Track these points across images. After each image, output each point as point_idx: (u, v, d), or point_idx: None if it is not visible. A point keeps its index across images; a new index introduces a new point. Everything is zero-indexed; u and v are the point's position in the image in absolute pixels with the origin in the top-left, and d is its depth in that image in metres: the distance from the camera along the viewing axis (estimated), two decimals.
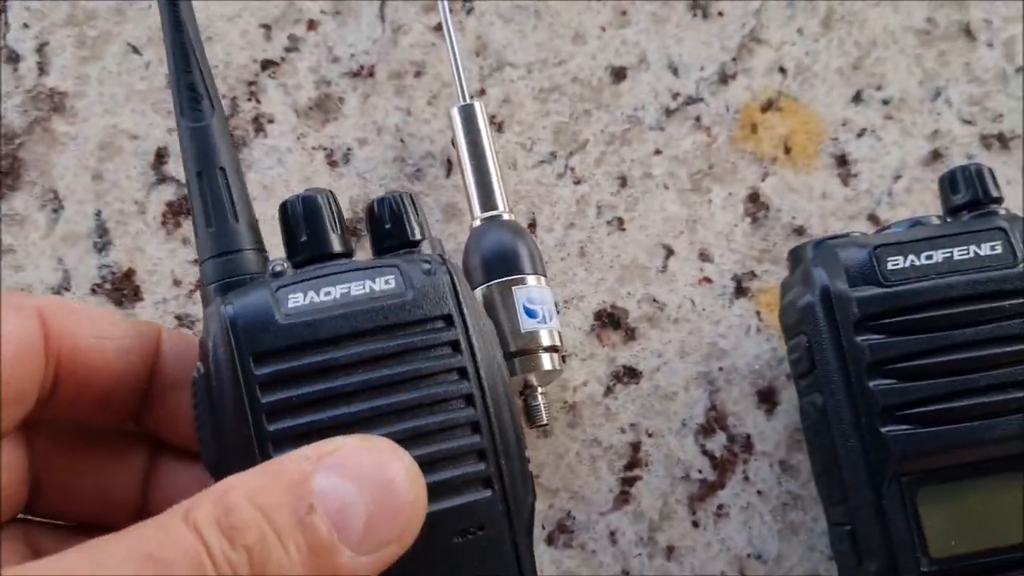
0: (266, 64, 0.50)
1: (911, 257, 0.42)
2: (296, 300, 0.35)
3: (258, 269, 0.37)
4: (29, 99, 0.49)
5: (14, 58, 0.49)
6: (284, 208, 0.37)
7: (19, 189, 0.48)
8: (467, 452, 0.35)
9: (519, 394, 0.45)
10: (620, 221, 0.49)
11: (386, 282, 0.35)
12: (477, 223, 0.46)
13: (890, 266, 0.42)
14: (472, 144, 0.46)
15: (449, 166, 0.49)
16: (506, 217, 0.46)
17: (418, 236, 0.38)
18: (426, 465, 0.33)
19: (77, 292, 0.47)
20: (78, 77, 0.49)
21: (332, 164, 0.49)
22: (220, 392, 0.34)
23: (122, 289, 0.47)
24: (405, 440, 0.33)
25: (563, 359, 0.46)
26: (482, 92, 0.50)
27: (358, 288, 0.35)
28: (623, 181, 0.50)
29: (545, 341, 0.44)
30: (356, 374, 0.34)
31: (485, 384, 0.35)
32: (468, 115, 0.47)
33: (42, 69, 0.49)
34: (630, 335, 0.48)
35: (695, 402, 0.47)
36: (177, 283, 0.47)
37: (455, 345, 0.35)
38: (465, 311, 0.35)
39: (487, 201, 0.46)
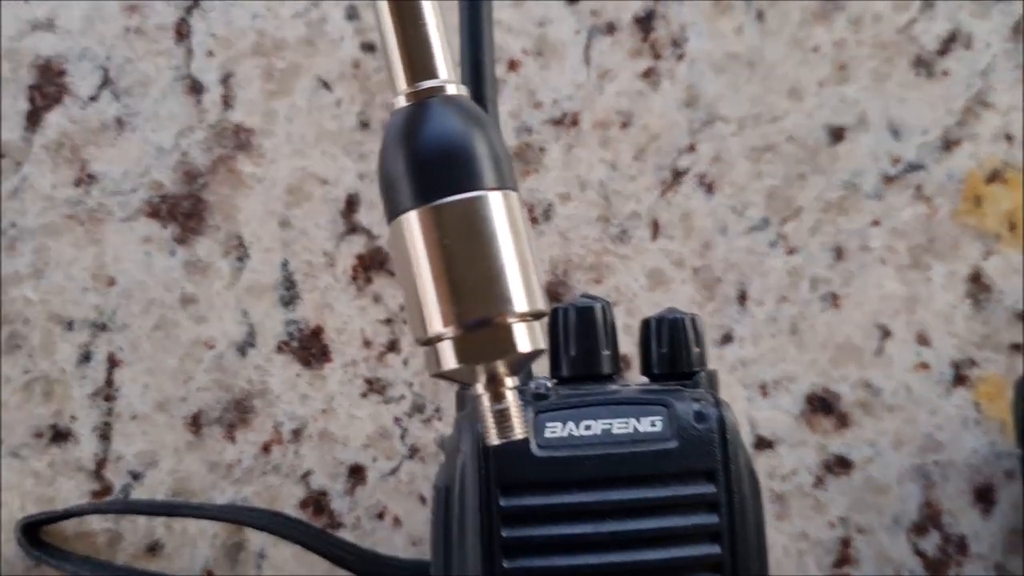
0: None
1: None
2: (554, 430, 0.33)
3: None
4: (213, 135, 0.45)
5: (197, 89, 0.45)
6: (554, 316, 0.35)
7: (202, 234, 0.45)
8: None
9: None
10: (834, 297, 0.46)
11: (652, 424, 0.33)
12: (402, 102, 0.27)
13: None
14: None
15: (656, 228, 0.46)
16: (452, 91, 0.27)
17: (694, 367, 0.35)
18: None
19: (263, 349, 0.44)
20: (265, 113, 0.45)
21: (533, 221, 0.46)
22: (462, 514, 0.33)
23: (310, 348, 0.44)
24: None
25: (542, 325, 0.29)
26: (691, 148, 0.47)
27: (621, 426, 0.33)
28: (838, 253, 0.46)
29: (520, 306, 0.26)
30: (605, 523, 0.32)
31: (739, 550, 0.33)
32: None
33: (227, 103, 0.45)
34: (842, 422, 0.45)
35: (908, 497, 0.45)
36: (367, 344, 0.44)
37: (713, 505, 0.33)
38: (731, 466, 0.33)
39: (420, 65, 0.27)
